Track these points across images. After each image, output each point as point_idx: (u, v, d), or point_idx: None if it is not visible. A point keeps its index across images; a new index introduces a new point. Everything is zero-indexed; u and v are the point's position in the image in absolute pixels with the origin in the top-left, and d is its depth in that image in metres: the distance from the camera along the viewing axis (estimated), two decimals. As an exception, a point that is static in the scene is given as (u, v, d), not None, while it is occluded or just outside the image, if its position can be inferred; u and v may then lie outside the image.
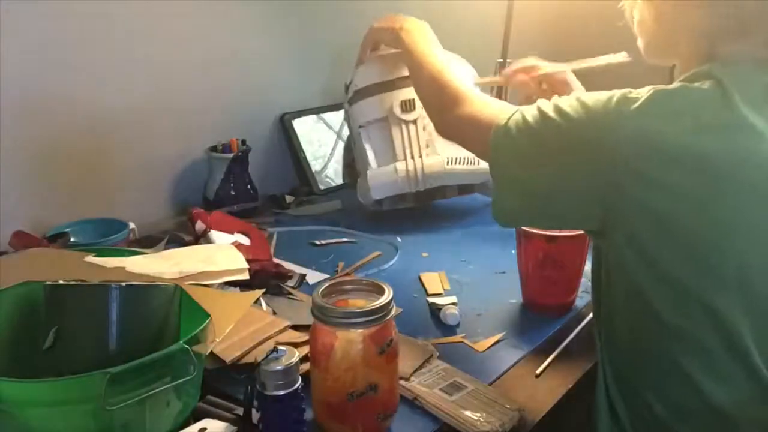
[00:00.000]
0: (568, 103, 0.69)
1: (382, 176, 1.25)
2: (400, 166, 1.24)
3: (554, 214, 0.73)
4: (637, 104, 0.64)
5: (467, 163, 1.25)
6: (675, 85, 0.67)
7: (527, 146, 0.71)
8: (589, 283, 1.01)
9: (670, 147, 0.62)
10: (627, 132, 0.63)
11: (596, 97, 0.67)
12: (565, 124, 0.68)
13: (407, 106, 1.24)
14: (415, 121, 1.25)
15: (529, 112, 0.72)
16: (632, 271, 0.67)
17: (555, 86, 1.10)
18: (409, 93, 1.24)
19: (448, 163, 1.24)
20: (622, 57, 1.05)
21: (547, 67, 1.12)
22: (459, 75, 0.95)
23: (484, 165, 1.21)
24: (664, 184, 0.63)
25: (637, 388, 0.71)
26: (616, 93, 0.66)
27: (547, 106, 0.71)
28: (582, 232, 0.92)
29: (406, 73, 1.21)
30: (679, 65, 0.74)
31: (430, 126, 1.21)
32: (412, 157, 1.25)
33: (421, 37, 1.11)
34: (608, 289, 0.73)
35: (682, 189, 0.62)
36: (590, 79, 1.13)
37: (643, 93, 0.65)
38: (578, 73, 1.12)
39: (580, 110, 0.67)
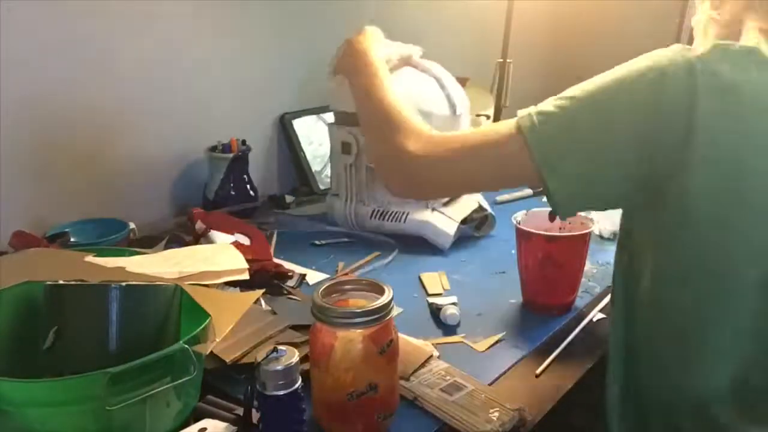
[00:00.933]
0: (594, 79, 0.68)
1: (332, 208, 1.27)
2: (338, 204, 1.25)
3: (617, 179, 0.67)
4: (703, 54, 0.63)
5: (391, 220, 1.21)
6: (736, 44, 0.67)
7: (573, 117, 0.67)
8: (589, 283, 1.02)
9: (742, 90, 0.62)
10: (699, 76, 0.62)
11: (645, 55, 0.67)
12: (615, 83, 0.66)
13: (345, 147, 1.21)
14: (352, 165, 1.21)
15: (548, 103, 0.69)
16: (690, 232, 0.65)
17: None
18: (348, 134, 1.20)
19: (371, 216, 1.22)
20: None
21: None
22: (415, 115, 0.83)
23: (408, 224, 1.20)
24: (739, 131, 0.62)
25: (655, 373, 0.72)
26: (671, 48, 0.66)
27: (565, 92, 0.68)
28: (581, 232, 0.92)
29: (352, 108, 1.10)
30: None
31: (359, 171, 1.20)
32: (347, 201, 1.24)
33: (369, 60, 0.97)
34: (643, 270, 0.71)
35: (757, 135, 0.62)
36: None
37: (701, 48, 0.65)
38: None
39: (626, 68, 0.66)
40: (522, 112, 0.70)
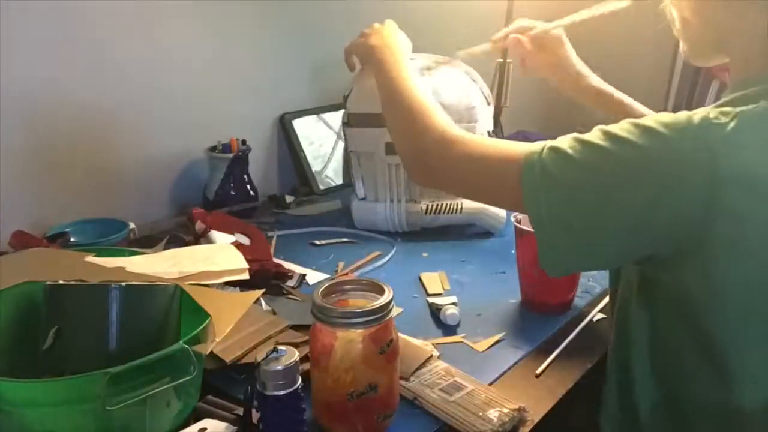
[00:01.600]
0: (621, 128, 0.61)
1: (365, 211, 1.26)
2: (380, 208, 1.24)
3: (615, 254, 0.65)
4: (727, 132, 0.57)
5: (447, 212, 1.23)
6: (760, 106, 0.59)
7: (576, 181, 0.62)
8: (589, 283, 1.02)
9: (752, 171, 0.57)
10: (722, 166, 0.56)
11: (663, 121, 0.59)
12: (628, 152, 0.60)
13: (392, 148, 1.18)
14: (398, 166, 1.20)
15: (564, 143, 0.64)
16: (693, 298, 0.63)
17: (550, 45, 1.08)
18: None
19: (426, 212, 1.23)
20: (623, 3, 1.02)
21: (541, 25, 1.08)
22: (439, 108, 0.84)
23: (463, 214, 1.22)
24: (760, 221, 0.57)
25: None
26: (693, 117, 0.59)
27: (588, 134, 0.63)
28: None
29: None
30: (732, 66, 0.68)
31: None
32: (392, 201, 1.23)
33: (394, 56, 0.98)
34: (647, 307, 0.69)
35: (756, 216, 0.57)
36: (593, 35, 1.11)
37: (725, 118, 0.58)
38: (575, 28, 1.08)
39: (644, 136, 0.59)
40: (536, 146, 0.66)
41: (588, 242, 0.63)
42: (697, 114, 0.59)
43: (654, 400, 0.72)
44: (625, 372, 0.74)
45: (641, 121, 0.61)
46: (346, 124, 1.24)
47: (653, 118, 0.60)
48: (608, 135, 0.61)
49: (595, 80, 1.09)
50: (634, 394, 0.73)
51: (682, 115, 0.60)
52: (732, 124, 0.57)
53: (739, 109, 0.58)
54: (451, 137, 0.76)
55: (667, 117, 0.60)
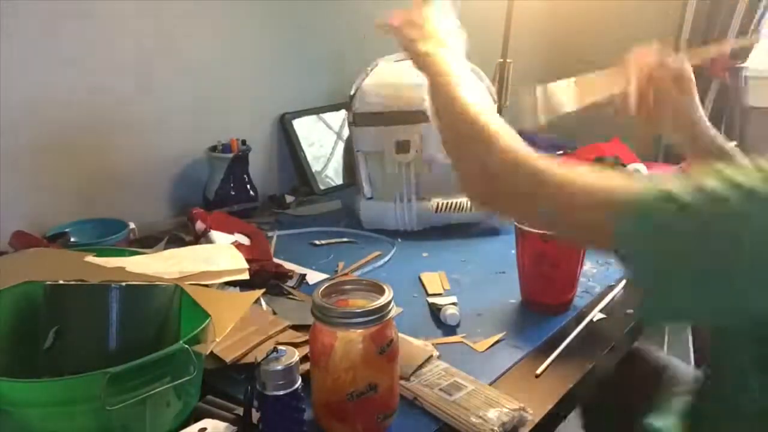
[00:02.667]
0: (749, 179, 0.53)
1: (373, 211, 1.25)
2: (390, 207, 1.23)
3: (742, 307, 0.55)
4: None
5: (458, 210, 1.24)
6: None
7: (697, 231, 0.53)
8: (589, 283, 1.02)
9: None
10: None
11: None
12: (746, 210, 0.51)
13: (402, 146, 1.19)
14: (409, 164, 1.20)
15: (678, 185, 0.55)
16: None
17: (674, 82, 0.88)
18: (405, 132, 1.18)
19: (437, 210, 1.23)
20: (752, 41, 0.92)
21: (671, 56, 0.89)
22: (510, 131, 0.71)
23: (474, 211, 1.21)
24: None
25: None
26: None
27: (709, 180, 0.54)
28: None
29: (407, 107, 1.16)
30: None
31: (418, 167, 1.19)
32: (402, 200, 1.23)
33: (449, 67, 0.80)
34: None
35: None
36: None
37: None
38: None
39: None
40: (631, 188, 0.57)
41: (688, 299, 0.56)
42: None
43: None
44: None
45: None
46: (352, 123, 1.24)
47: None
48: (733, 182, 0.53)
49: (709, 128, 0.90)
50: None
51: None
52: None
53: None
54: (538, 166, 0.64)
55: None
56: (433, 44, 0.84)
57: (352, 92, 1.24)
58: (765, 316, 0.55)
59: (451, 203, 1.23)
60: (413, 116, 1.18)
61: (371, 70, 1.25)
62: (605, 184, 0.60)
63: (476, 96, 0.76)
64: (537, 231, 0.92)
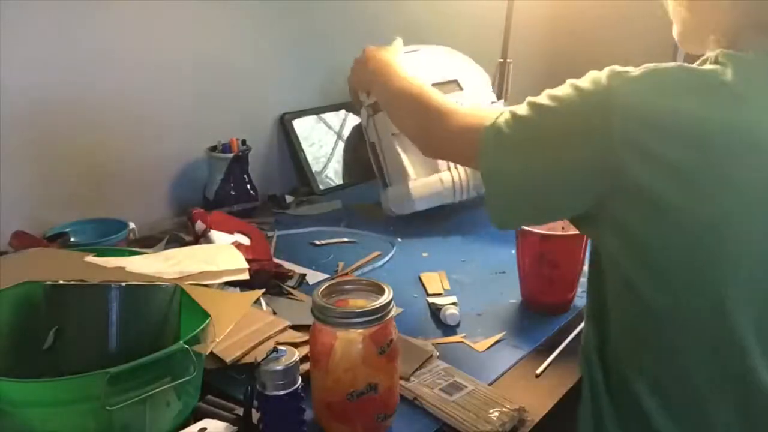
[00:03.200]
0: (560, 88, 0.68)
1: (425, 187, 1.22)
2: (446, 176, 1.22)
3: (550, 206, 0.71)
4: (629, 76, 0.63)
5: None
6: (672, 63, 0.66)
7: (520, 138, 0.70)
8: (589, 283, 1.02)
9: (666, 118, 0.61)
10: (620, 103, 0.62)
11: (588, 77, 0.66)
12: (559, 107, 0.67)
13: None
14: None
15: (519, 107, 0.71)
16: (621, 260, 0.66)
17: None
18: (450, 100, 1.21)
19: None
20: None
21: None
22: (436, 91, 0.94)
23: None
24: (660, 159, 0.61)
25: (628, 382, 0.70)
26: (606, 70, 0.65)
27: (539, 97, 0.70)
28: (577, 231, 0.92)
29: (441, 77, 1.22)
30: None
31: None
32: (456, 167, 1.23)
33: (390, 62, 1.09)
34: (600, 283, 0.72)
35: (677, 164, 0.61)
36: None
37: (635, 70, 0.64)
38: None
39: (571, 92, 0.66)
40: (498, 111, 0.74)
41: (534, 192, 0.70)
42: (611, 67, 0.66)
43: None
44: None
45: (576, 79, 0.68)
46: (372, 115, 1.25)
47: (586, 76, 0.67)
48: (549, 95, 0.69)
49: None
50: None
51: (603, 70, 0.66)
52: (637, 71, 0.64)
53: (652, 65, 0.64)
54: (446, 110, 0.86)
55: (593, 73, 0.67)
56: (375, 61, 1.12)
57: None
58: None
59: None
60: (447, 86, 1.22)
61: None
62: (484, 112, 0.79)
63: (408, 76, 1.01)
64: (536, 231, 0.92)
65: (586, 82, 0.66)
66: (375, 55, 1.14)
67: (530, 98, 0.71)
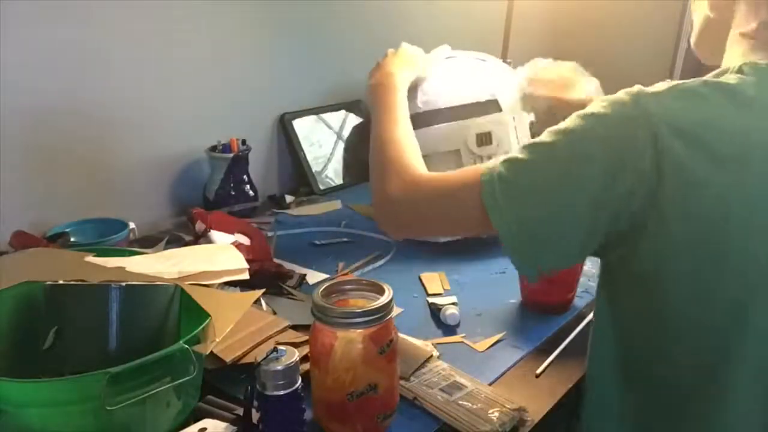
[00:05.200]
0: (562, 124, 0.65)
1: None
2: None
3: (585, 241, 0.64)
4: (655, 92, 0.61)
5: None
6: (695, 79, 0.63)
7: (531, 178, 0.65)
8: (589, 283, 1.02)
9: (702, 130, 0.59)
10: (656, 117, 0.59)
11: (599, 104, 0.63)
12: (574, 137, 0.63)
13: (484, 139, 1.11)
14: (490, 157, 1.10)
15: (515, 152, 0.66)
16: (649, 278, 0.64)
17: None
18: (484, 124, 1.11)
19: None
20: None
21: None
22: (417, 153, 0.85)
23: None
24: (697, 173, 0.59)
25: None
26: (621, 92, 0.63)
27: (534, 140, 0.66)
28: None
29: (481, 97, 1.12)
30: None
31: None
32: None
33: (384, 97, 0.96)
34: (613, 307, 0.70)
35: (714, 177, 0.59)
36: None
37: (660, 86, 0.62)
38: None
39: (583, 121, 0.63)
40: (491, 163, 0.68)
41: (557, 235, 0.64)
42: (634, 87, 0.63)
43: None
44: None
45: (581, 112, 0.64)
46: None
47: (592, 104, 0.64)
48: (554, 130, 0.65)
49: None
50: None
51: (620, 92, 0.63)
52: (662, 88, 0.62)
53: (674, 82, 0.63)
54: (417, 178, 0.77)
55: (605, 97, 0.64)
56: (378, 77, 1.01)
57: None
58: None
59: None
60: (485, 107, 1.13)
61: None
62: (470, 169, 0.71)
63: (404, 127, 0.89)
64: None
65: (599, 107, 0.63)
66: (383, 67, 1.03)
67: (525, 144, 0.67)
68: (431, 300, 0.96)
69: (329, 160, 1.56)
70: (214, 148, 1.31)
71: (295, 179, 1.53)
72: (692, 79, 0.63)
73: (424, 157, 1.12)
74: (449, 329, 0.90)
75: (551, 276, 0.88)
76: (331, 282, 0.71)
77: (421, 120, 1.11)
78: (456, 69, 1.17)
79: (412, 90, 1.11)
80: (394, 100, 0.95)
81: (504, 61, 1.61)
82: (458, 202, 0.70)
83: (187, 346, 0.61)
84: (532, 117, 1.17)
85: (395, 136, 0.87)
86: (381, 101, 0.96)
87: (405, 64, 1.05)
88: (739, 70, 0.64)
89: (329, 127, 1.58)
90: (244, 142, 1.33)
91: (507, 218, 0.65)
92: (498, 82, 1.17)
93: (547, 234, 0.64)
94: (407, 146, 0.85)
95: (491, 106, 1.13)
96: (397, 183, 0.78)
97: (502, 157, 0.67)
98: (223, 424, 0.63)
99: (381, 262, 1.12)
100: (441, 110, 1.11)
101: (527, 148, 0.66)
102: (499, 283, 1.03)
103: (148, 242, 1.11)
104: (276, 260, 1.05)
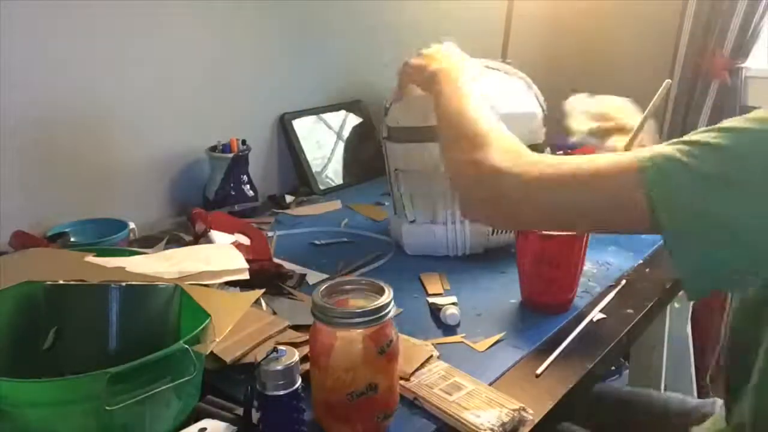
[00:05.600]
0: (731, 121, 0.60)
1: (418, 236, 1.13)
2: (440, 231, 1.12)
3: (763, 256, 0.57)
4: None
5: (509, 233, 1.13)
6: None
7: (723, 167, 0.57)
8: (589, 283, 1.02)
9: None
10: None
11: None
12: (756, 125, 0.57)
13: None
14: None
15: (674, 147, 0.60)
16: None
17: None
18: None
19: (493, 233, 1.13)
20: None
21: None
22: (508, 139, 0.76)
23: None
24: None
25: None
26: None
27: (697, 135, 0.60)
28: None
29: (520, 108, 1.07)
30: None
31: None
32: (454, 223, 1.11)
33: (456, 82, 0.90)
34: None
35: None
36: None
37: None
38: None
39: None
40: (644, 152, 0.62)
41: (734, 239, 0.57)
42: None
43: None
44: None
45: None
46: (388, 138, 1.13)
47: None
48: (720, 128, 0.59)
49: None
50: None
51: None
52: None
53: None
54: (529, 173, 0.68)
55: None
56: (442, 64, 0.94)
57: (387, 104, 1.13)
58: None
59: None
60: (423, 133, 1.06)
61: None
62: (619, 156, 0.63)
63: (482, 114, 0.81)
64: (537, 231, 0.92)
65: None
66: (443, 63, 0.96)
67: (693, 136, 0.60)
68: (431, 300, 0.96)
69: (329, 160, 1.57)
70: (214, 148, 1.31)
71: (295, 179, 1.53)
72: None
73: (396, 171, 1.12)
74: (449, 329, 0.90)
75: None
76: (331, 282, 0.71)
77: (396, 133, 1.10)
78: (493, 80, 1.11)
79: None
80: (468, 88, 0.89)
81: (504, 62, 1.61)
82: (604, 192, 0.63)
83: (187, 346, 0.61)
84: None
85: (480, 112, 0.81)
86: (454, 86, 0.89)
87: (459, 58, 0.99)
88: None
89: (329, 127, 1.58)
90: (244, 142, 1.33)
91: (679, 212, 0.58)
92: (505, 95, 1.11)
93: (724, 236, 0.57)
94: (498, 125, 0.78)
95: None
96: (510, 179, 0.69)
97: (654, 147, 0.62)
98: (223, 424, 0.63)
99: (381, 262, 1.12)
100: (413, 129, 1.08)
101: (694, 142, 0.60)
102: (499, 283, 1.03)
103: (148, 242, 1.11)
104: (276, 260, 1.05)
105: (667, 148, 0.61)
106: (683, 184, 0.58)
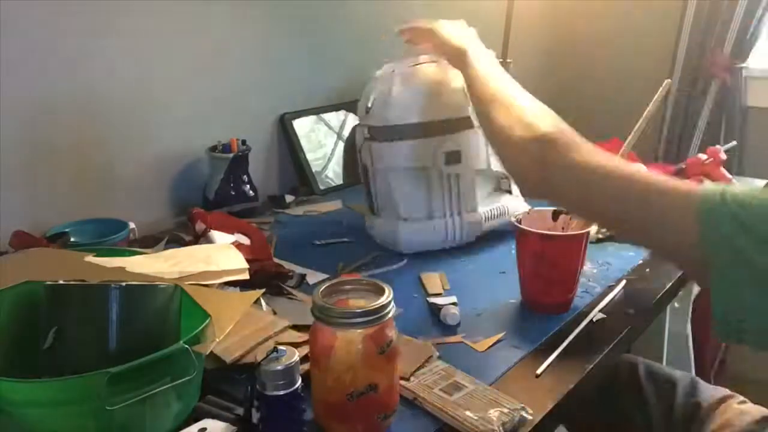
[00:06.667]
0: None
1: (415, 233, 1.13)
2: (439, 224, 1.12)
3: None
4: None
5: (502, 215, 1.17)
6: None
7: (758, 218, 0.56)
8: (589, 283, 1.02)
9: None
10: None
11: None
12: None
13: (453, 157, 1.09)
14: (458, 176, 1.10)
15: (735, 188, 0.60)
16: None
17: None
18: (453, 143, 1.09)
19: (486, 219, 1.15)
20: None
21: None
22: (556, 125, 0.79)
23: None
24: None
25: None
26: None
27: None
28: (577, 232, 0.92)
29: (451, 113, 1.09)
30: None
31: (469, 177, 1.11)
32: (452, 215, 1.12)
33: (492, 68, 0.95)
34: None
35: None
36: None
37: None
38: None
39: None
40: (713, 189, 0.60)
41: None
42: None
43: None
44: None
45: None
46: (372, 139, 1.12)
47: None
48: None
49: None
50: None
51: None
52: None
53: None
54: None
55: None
56: (472, 44, 1.00)
57: (369, 104, 1.12)
58: None
59: (497, 208, 1.17)
60: (459, 123, 1.09)
61: (384, 76, 1.15)
62: (678, 182, 0.63)
63: (522, 95, 0.87)
64: (536, 231, 0.92)
65: None
66: (473, 43, 1.02)
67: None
68: (431, 300, 0.96)
69: (329, 160, 1.57)
70: (214, 148, 1.31)
71: (295, 179, 1.53)
72: None
73: (392, 170, 1.11)
74: (449, 329, 0.90)
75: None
76: (331, 282, 0.71)
77: (387, 132, 1.10)
78: (424, 78, 1.13)
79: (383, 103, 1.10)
80: (504, 74, 0.95)
81: (504, 62, 1.61)
82: (664, 209, 0.64)
83: (187, 346, 0.61)
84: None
85: (528, 108, 0.84)
86: (491, 71, 0.95)
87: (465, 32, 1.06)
88: None
89: (329, 127, 1.58)
90: (244, 142, 1.33)
91: (729, 251, 0.57)
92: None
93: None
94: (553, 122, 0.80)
95: (465, 123, 1.10)
96: (562, 161, 0.73)
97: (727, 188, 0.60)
98: (223, 424, 0.63)
99: (390, 266, 1.11)
100: (406, 126, 1.09)
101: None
102: (499, 283, 1.03)
103: (148, 242, 1.11)
104: (276, 260, 1.05)
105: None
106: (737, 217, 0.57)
